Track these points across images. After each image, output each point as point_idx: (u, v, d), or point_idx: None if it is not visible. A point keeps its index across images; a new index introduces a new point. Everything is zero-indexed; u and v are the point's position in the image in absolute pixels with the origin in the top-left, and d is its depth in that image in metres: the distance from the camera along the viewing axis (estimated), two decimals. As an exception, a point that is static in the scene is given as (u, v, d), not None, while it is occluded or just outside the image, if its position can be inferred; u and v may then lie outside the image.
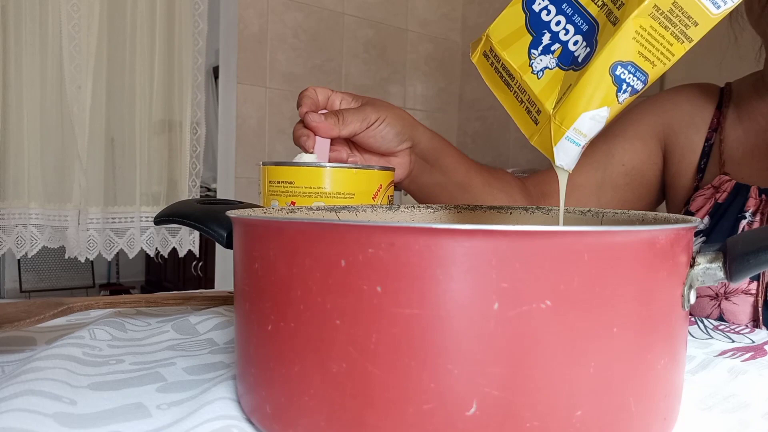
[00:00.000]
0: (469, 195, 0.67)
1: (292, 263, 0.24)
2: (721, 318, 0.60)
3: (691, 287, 0.27)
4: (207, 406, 0.29)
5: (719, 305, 0.60)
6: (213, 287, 2.26)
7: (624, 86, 0.32)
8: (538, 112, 0.35)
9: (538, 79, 0.35)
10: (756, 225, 0.61)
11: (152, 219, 0.42)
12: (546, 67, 0.35)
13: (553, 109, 0.34)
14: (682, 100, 0.74)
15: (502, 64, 0.37)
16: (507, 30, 0.37)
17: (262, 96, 2.16)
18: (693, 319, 0.53)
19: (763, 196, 0.62)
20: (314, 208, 0.41)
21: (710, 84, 0.75)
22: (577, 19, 0.35)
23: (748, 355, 0.41)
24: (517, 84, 0.36)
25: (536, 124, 0.35)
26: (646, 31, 0.32)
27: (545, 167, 0.73)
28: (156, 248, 1.92)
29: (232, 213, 0.30)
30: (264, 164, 0.51)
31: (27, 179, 1.71)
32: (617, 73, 0.32)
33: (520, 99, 0.36)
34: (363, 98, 0.59)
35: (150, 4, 1.83)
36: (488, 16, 2.57)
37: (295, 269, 0.24)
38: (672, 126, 0.73)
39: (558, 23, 0.36)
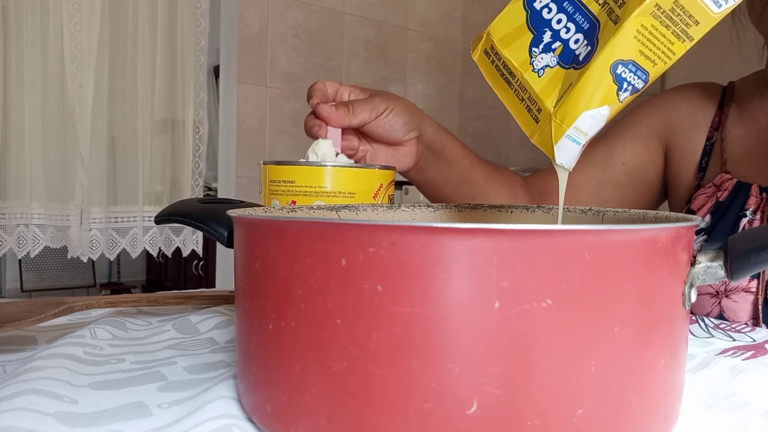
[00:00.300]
0: (473, 189, 0.68)
1: (293, 262, 0.24)
2: (721, 315, 0.60)
3: (691, 286, 0.27)
4: (208, 405, 0.29)
5: (719, 303, 0.60)
6: (214, 286, 2.26)
7: (625, 85, 0.32)
8: (539, 110, 0.35)
9: (539, 77, 0.35)
10: (757, 223, 0.61)
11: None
12: (547, 66, 0.35)
13: (554, 107, 0.34)
14: (683, 100, 0.74)
15: (503, 62, 0.37)
16: (508, 28, 0.37)
17: (263, 95, 2.16)
18: (694, 317, 0.53)
19: (764, 194, 0.62)
20: (315, 208, 0.41)
21: (712, 83, 0.75)
22: (578, 17, 0.35)
23: (748, 354, 0.41)
24: (518, 82, 0.36)
25: (537, 122, 0.35)
26: (647, 29, 0.32)
27: (546, 166, 0.73)
28: (159, 248, 1.92)
29: (232, 212, 0.30)
30: (265, 163, 0.51)
31: (29, 179, 1.71)
32: (618, 71, 0.32)
33: (520, 97, 0.36)
34: (371, 90, 0.61)
35: (151, 3, 1.83)
36: (489, 14, 2.57)
37: (295, 268, 0.24)
38: (673, 126, 0.73)
39: (559, 21, 0.36)
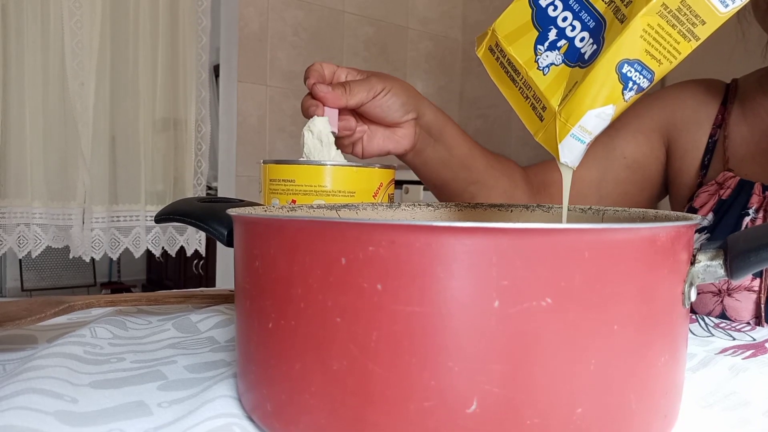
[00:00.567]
0: (471, 174, 0.67)
1: (293, 261, 0.24)
2: (723, 314, 0.60)
3: (691, 285, 0.27)
4: (208, 404, 0.29)
5: (722, 302, 0.60)
6: (214, 286, 2.26)
7: (630, 84, 0.32)
8: (544, 108, 0.35)
9: (544, 75, 0.35)
10: (759, 222, 0.61)
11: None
12: (552, 64, 0.35)
13: (559, 106, 0.34)
14: (687, 97, 0.73)
15: (508, 59, 0.37)
16: (513, 25, 0.37)
17: (263, 94, 2.15)
18: (694, 316, 0.53)
19: (767, 192, 0.61)
20: (315, 207, 0.41)
21: (715, 80, 0.75)
22: (584, 15, 0.35)
23: (748, 353, 0.41)
24: (523, 80, 0.36)
25: (541, 120, 0.35)
26: (653, 29, 0.31)
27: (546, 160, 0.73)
28: (162, 247, 1.91)
29: (232, 211, 0.30)
30: (265, 162, 0.51)
31: (29, 177, 1.70)
32: (624, 71, 0.32)
33: (525, 95, 0.36)
34: (368, 72, 0.60)
35: (152, 0, 1.83)
36: (489, 13, 2.57)
37: (295, 267, 0.24)
38: (675, 122, 0.73)
39: (565, 19, 0.35)
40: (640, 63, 0.32)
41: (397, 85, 0.59)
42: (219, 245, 2.18)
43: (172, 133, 1.92)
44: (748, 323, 0.52)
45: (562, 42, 0.35)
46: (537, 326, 0.22)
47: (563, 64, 0.35)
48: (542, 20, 0.36)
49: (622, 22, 0.32)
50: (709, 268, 0.27)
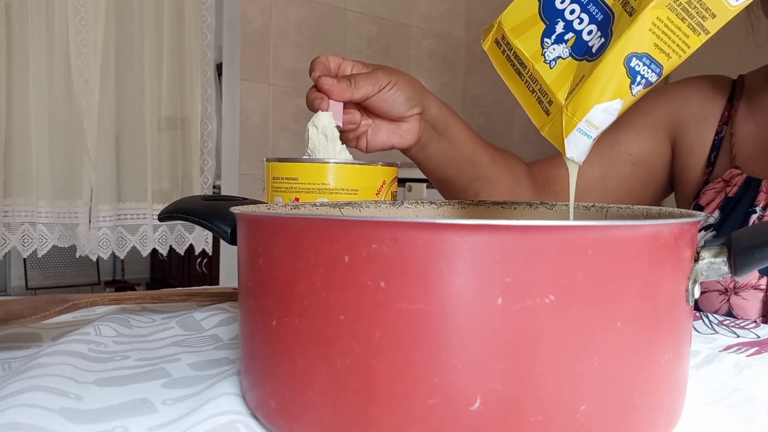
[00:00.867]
0: (475, 170, 0.67)
1: (296, 259, 0.24)
2: (729, 313, 0.59)
3: (695, 282, 0.27)
4: (212, 401, 0.29)
5: (728, 300, 0.59)
6: (218, 284, 2.27)
7: (638, 78, 0.32)
8: (550, 102, 0.34)
9: (551, 68, 0.35)
10: (767, 219, 0.60)
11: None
12: (559, 57, 0.35)
13: (566, 100, 0.33)
14: (693, 93, 0.73)
15: (514, 52, 0.37)
16: (520, 17, 0.37)
17: (266, 92, 2.15)
18: (698, 314, 0.53)
19: None
20: (318, 204, 0.41)
21: (722, 76, 0.74)
22: (591, 8, 0.34)
23: (753, 350, 0.41)
24: (529, 73, 0.36)
25: (547, 114, 0.35)
26: (662, 22, 0.31)
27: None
28: (171, 246, 1.91)
29: (236, 209, 0.30)
30: (268, 160, 0.51)
31: (35, 176, 1.69)
32: (632, 65, 0.32)
33: (531, 89, 0.36)
34: (374, 65, 0.60)
35: (157, -2, 1.83)
36: (492, 11, 2.56)
37: (298, 265, 0.24)
38: (681, 118, 0.72)
39: (572, 12, 0.35)
40: (648, 57, 0.32)
41: (402, 79, 0.59)
42: (223, 244, 2.18)
43: (179, 131, 1.92)
44: (755, 321, 0.52)
45: (570, 35, 0.35)
46: (540, 323, 0.22)
47: (570, 57, 0.35)
48: (549, 13, 0.36)
49: (630, 15, 0.32)
50: (713, 265, 0.27)
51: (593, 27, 0.34)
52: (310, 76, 0.57)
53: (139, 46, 1.81)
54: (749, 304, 0.58)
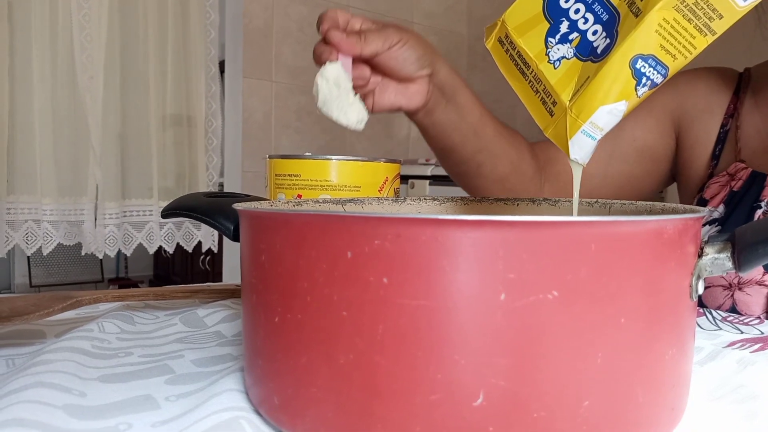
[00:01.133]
0: (480, 141, 0.65)
1: (299, 255, 0.24)
2: (733, 309, 0.59)
3: (699, 277, 0.27)
4: (215, 397, 0.29)
5: (732, 295, 0.59)
6: (221, 281, 2.27)
7: (644, 80, 0.32)
8: (554, 103, 0.34)
9: (555, 69, 0.35)
10: None
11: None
12: (563, 57, 0.35)
13: (570, 101, 0.33)
14: (700, 83, 0.72)
15: (518, 51, 0.36)
16: (524, 16, 0.37)
17: (268, 90, 2.15)
18: (702, 310, 0.53)
19: None
20: (320, 201, 0.41)
21: (729, 68, 0.74)
22: (597, 7, 0.34)
23: (756, 346, 0.41)
24: (533, 73, 0.36)
25: (551, 115, 0.34)
26: (669, 23, 0.31)
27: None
28: (177, 243, 1.90)
29: (238, 206, 0.30)
30: (270, 157, 0.51)
31: (39, 173, 1.67)
32: (638, 66, 0.31)
33: (535, 89, 0.36)
34: (383, 22, 0.57)
35: (160, -4, 1.82)
36: (495, 8, 2.55)
37: (301, 261, 0.24)
38: (687, 109, 0.72)
39: (577, 11, 0.35)
40: (654, 58, 0.31)
41: (414, 38, 0.57)
42: (226, 241, 2.18)
43: (184, 128, 1.91)
44: (759, 318, 0.51)
45: (574, 35, 0.35)
46: (543, 319, 0.22)
47: (575, 57, 0.34)
48: (554, 12, 0.35)
49: (636, 15, 0.32)
50: (717, 260, 0.27)
51: (598, 27, 0.34)
52: (318, 29, 0.54)
53: (144, 42, 1.80)
54: (753, 299, 0.58)
